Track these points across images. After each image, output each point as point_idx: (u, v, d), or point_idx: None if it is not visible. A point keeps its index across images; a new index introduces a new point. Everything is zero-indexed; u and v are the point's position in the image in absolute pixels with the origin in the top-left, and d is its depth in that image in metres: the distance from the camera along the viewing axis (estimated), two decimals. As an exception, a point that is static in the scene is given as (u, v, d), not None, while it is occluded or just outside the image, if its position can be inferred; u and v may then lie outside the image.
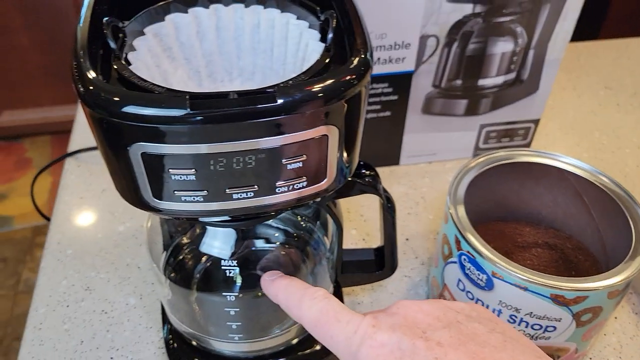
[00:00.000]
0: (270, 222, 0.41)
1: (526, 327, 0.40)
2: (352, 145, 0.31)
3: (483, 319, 0.26)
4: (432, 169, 0.67)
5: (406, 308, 0.26)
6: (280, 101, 0.25)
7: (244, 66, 0.37)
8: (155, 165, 0.27)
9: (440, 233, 0.46)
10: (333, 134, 0.28)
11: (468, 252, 0.40)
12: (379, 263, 0.46)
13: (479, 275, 0.40)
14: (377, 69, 0.57)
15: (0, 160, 1.95)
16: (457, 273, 0.42)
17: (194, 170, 0.27)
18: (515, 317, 0.40)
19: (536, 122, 0.66)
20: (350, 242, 0.58)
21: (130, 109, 0.25)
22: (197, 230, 0.40)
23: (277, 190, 0.29)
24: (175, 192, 0.28)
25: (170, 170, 0.27)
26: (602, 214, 0.46)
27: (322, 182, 0.30)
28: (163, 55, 0.34)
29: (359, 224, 0.60)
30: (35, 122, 1.94)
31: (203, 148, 0.26)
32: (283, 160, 0.28)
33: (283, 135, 0.26)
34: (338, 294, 0.48)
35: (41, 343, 0.47)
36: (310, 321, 0.28)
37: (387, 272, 0.46)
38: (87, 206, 0.60)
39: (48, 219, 0.62)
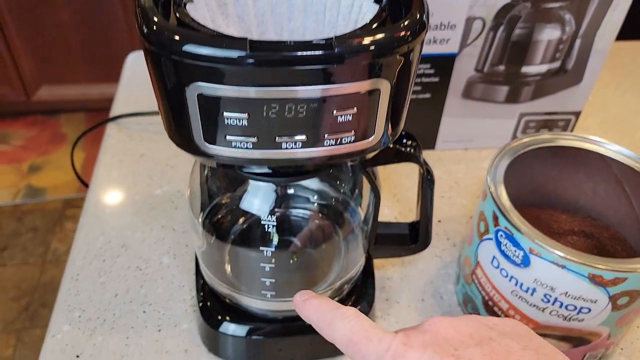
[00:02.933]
0: (308, 185, 0.41)
1: (560, 307, 0.39)
2: (401, 104, 0.31)
3: (517, 335, 0.26)
4: (468, 156, 0.67)
5: (438, 325, 0.26)
6: (337, 49, 0.26)
7: (295, 28, 0.38)
8: (210, 108, 0.27)
9: (476, 211, 0.45)
10: (385, 88, 0.28)
11: (506, 227, 0.40)
12: (412, 237, 0.46)
13: (515, 251, 0.39)
14: (420, 49, 0.57)
15: (37, 134, 2.00)
16: (492, 250, 0.42)
17: (247, 114, 0.27)
18: (550, 296, 0.39)
19: (577, 114, 0.65)
20: (383, 220, 0.58)
21: (191, 48, 0.25)
22: (237, 189, 0.41)
23: (324, 143, 0.29)
24: (227, 137, 0.29)
25: (224, 113, 0.27)
26: (643, 204, 0.46)
27: (369, 139, 0.30)
28: (218, 11, 0.35)
29: (391, 202, 0.60)
30: (72, 98, 1.98)
31: (258, 92, 0.26)
32: (334, 112, 0.28)
33: (336, 85, 0.27)
34: (369, 266, 0.48)
35: (77, 293, 0.49)
36: (342, 341, 0.28)
37: (421, 246, 0.46)
38: (125, 169, 0.61)
39: (87, 185, 0.64)
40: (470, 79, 0.61)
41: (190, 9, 0.31)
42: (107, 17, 1.78)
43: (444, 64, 0.59)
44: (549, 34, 0.57)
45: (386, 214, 0.59)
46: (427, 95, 0.61)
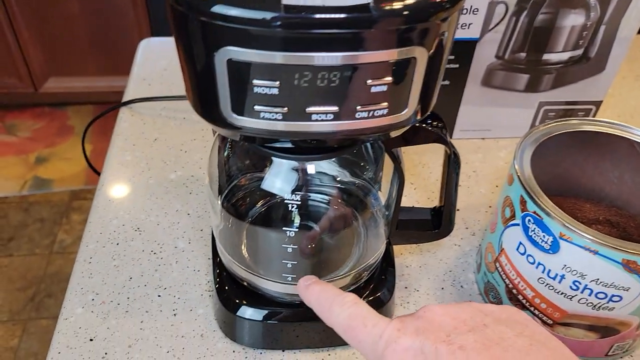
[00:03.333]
0: (332, 166, 0.40)
1: (590, 295, 0.38)
2: (435, 77, 0.30)
3: (513, 322, 0.26)
4: (485, 145, 0.66)
5: (433, 312, 0.26)
6: (374, 12, 0.24)
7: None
8: (240, 75, 0.26)
9: (501, 196, 0.44)
10: (421, 57, 0.27)
11: (534, 212, 0.39)
12: (435, 223, 0.45)
13: (544, 237, 0.38)
14: (441, 34, 0.56)
15: (44, 125, 1.99)
16: (518, 236, 0.41)
17: (278, 82, 0.26)
18: (579, 283, 0.38)
19: (598, 104, 0.64)
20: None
21: (221, 9, 0.24)
22: (258, 169, 0.40)
23: (356, 115, 0.28)
24: (255, 107, 0.28)
25: (253, 81, 0.26)
26: (673, 192, 0.44)
27: (402, 113, 0.29)
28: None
29: (409, 190, 0.59)
30: (80, 90, 1.97)
31: (290, 58, 0.25)
32: (368, 81, 0.27)
33: (372, 52, 0.26)
34: (389, 254, 0.47)
35: (90, 276, 0.48)
36: (340, 326, 0.28)
37: (444, 232, 0.44)
38: (139, 153, 0.60)
39: (98, 173, 0.63)
40: (491, 66, 0.59)
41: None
42: (116, 10, 1.78)
43: (464, 50, 0.57)
44: (573, 20, 0.56)
45: (403, 202, 0.57)
46: (446, 82, 0.60)
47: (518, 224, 0.41)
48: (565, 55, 0.59)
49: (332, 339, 0.44)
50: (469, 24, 0.55)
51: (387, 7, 0.25)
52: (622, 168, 0.48)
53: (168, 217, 0.53)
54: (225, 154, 0.40)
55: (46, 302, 1.44)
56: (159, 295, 0.46)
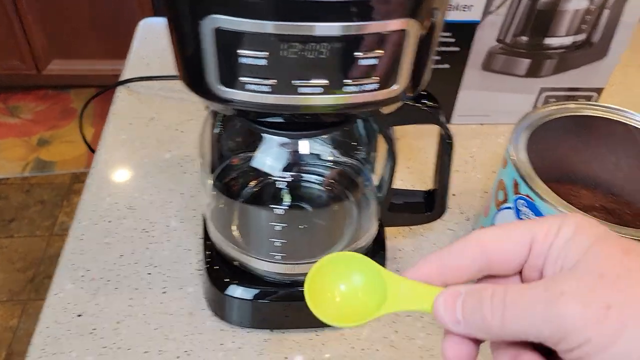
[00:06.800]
0: (323, 145, 0.40)
1: (581, 279, 0.38)
2: (427, 52, 0.29)
3: None
4: (484, 131, 0.65)
5: None
6: (363, -19, 0.24)
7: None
8: (227, 45, 0.26)
9: (495, 180, 0.44)
10: (414, 31, 0.26)
11: (527, 195, 0.38)
12: (428, 205, 0.45)
13: (536, 220, 0.38)
14: (440, 16, 0.55)
15: (47, 108, 1.99)
16: (511, 219, 0.41)
17: (265, 53, 0.26)
18: (571, 267, 0.38)
19: (600, 90, 0.63)
20: (395, 191, 0.56)
21: (207, -24, 0.24)
22: (249, 148, 0.39)
23: (345, 89, 0.28)
24: (242, 79, 0.27)
25: (240, 51, 0.26)
26: (670, 179, 0.44)
27: (392, 88, 0.29)
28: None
29: (404, 174, 0.58)
30: (83, 72, 1.97)
31: (279, 27, 0.25)
32: (357, 54, 0.26)
33: (363, 23, 0.25)
34: (381, 235, 0.47)
35: (82, 252, 0.47)
36: None
37: (436, 214, 0.44)
38: (135, 132, 0.60)
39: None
40: (492, 50, 0.59)
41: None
42: (120, -7, 1.76)
43: (465, 33, 0.57)
44: (576, 4, 0.55)
45: (399, 185, 0.57)
46: (446, 66, 0.59)
47: (511, 207, 0.40)
48: (567, 40, 0.58)
49: (321, 322, 0.44)
50: (470, 6, 0.55)
51: (377, -23, 0.24)
52: (618, 154, 0.47)
53: (161, 195, 0.53)
54: (217, 131, 0.40)
55: (46, 283, 1.45)
56: (149, 273, 0.46)
